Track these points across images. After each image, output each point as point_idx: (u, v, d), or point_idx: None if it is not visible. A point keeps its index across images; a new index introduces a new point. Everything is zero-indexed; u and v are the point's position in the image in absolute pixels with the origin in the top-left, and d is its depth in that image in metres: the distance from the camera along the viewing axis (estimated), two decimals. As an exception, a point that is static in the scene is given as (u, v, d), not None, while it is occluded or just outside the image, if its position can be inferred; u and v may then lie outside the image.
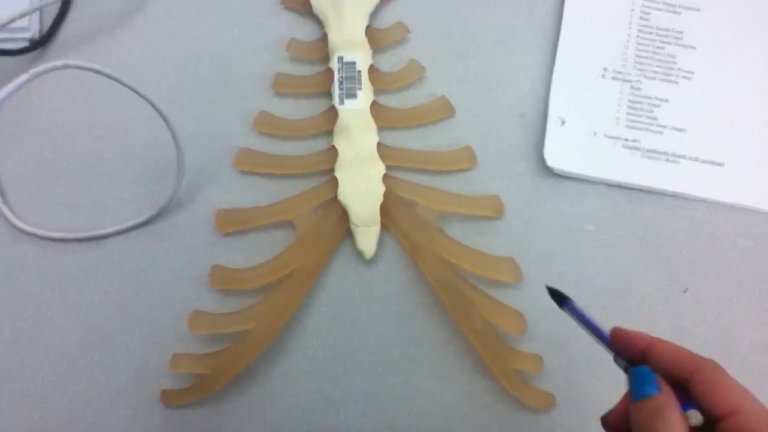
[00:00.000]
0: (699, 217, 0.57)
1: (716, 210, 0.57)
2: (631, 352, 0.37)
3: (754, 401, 0.33)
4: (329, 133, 0.57)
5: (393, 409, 0.52)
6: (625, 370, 0.37)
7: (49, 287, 0.54)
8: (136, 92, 0.52)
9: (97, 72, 0.51)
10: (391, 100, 0.58)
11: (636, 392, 0.35)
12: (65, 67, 0.51)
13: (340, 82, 0.57)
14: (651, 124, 0.59)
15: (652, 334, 0.38)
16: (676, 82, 0.60)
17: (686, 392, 0.35)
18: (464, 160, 0.57)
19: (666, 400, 0.34)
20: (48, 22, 0.59)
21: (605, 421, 0.39)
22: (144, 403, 0.52)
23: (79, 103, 0.57)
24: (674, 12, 0.61)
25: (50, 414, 0.52)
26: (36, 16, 0.58)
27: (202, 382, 0.51)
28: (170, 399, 0.52)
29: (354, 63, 0.57)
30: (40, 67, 0.51)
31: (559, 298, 0.43)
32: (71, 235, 0.55)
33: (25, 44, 0.58)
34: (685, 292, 0.56)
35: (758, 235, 0.57)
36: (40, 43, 0.58)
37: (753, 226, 0.57)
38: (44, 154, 0.57)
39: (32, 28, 0.58)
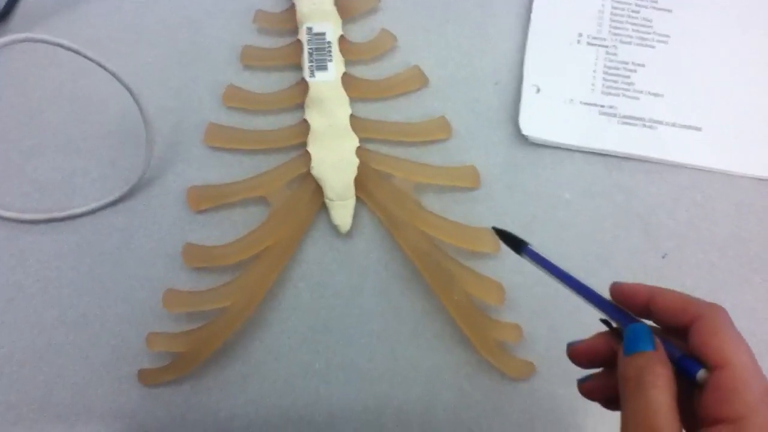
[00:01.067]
0: (677, 182, 0.57)
1: (695, 175, 0.57)
2: (632, 306, 0.35)
3: (744, 356, 0.31)
4: (300, 107, 0.56)
5: (374, 380, 0.52)
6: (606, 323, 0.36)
7: (20, 269, 0.53)
8: (101, 66, 0.51)
9: (60, 45, 0.50)
10: (363, 72, 0.58)
11: (629, 346, 0.33)
12: (27, 40, 0.50)
13: (310, 54, 0.56)
14: (627, 90, 0.58)
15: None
16: (653, 47, 0.59)
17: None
18: (439, 130, 0.57)
19: (659, 356, 0.32)
20: (8, -2, 0.57)
21: (583, 385, 0.38)
22: (122, 382, 0.52)
23: (44, 79, 0.56)
24: (649, -25, 0.60)
25: (27, 394, 0.51)
26: (-5, -9, 0.57)
27: (179, 361, 0.51)
28: (147, 378, 0.51)
29: (324, 34, 0.56)
30: (2, 39, 0.49)
31: (515, 243, 0.40)
32: (41, 216, 0.54)
33: (-15, 20, 0.56)
34: (664, 257, 0.55)
35: (738, 199, 0.57)
36: (0, 17, 0.56)
37: (732, 190, 0.57)
38: (9, 133, 0.56)
39: (-8, 4, 0.56)
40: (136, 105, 0.52)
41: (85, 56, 0.50)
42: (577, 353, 0.37)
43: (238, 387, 0.51)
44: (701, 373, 0.31)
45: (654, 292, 0.35)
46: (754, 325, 0.53)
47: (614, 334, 0.36)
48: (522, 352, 0.52)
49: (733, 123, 0.58)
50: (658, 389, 0.31)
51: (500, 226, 0.42)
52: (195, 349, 0.50)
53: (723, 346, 0.31)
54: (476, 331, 0.51)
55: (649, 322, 0.35)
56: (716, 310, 0.33)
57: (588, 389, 0.38)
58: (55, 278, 0.53)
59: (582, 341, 0.37)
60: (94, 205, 0.54)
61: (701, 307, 0.33)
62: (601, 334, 0.36)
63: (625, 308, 0.35)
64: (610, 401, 0.37)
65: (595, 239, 0.55)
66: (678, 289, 0.53)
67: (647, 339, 0.33)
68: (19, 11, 0.57)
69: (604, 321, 0.36)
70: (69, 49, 0.50)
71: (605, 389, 0.37)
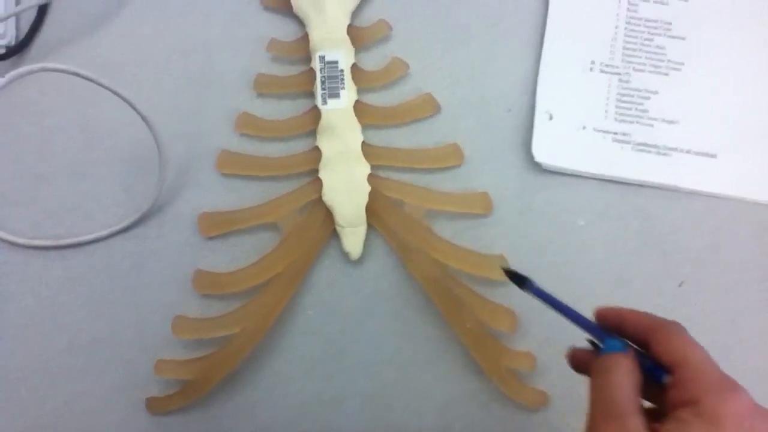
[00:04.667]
0: (693, 209, 0.56)
1: (710, 202, 0.56)
2: (609, 326, 0.40)
3: (698, 353, 0.36)
4: (312, 134, 0.56)
5: (386, 408, 0.51)
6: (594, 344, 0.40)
7: (31, 295, 0.54)
8: (116, 94, 0.51)
9: (76, 74, 0.50)
10: (375, 99, 0.57)
11: (606, 347, 0.38)
12: (43, 70, 0.50)
13: (323, 82, 0.56)
14: (641, 117, 0.58)
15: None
16: (666, 74, 0.59)
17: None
18: (451, 157, 0.56)
19: (627, 354, 0.37)
20: (25, 28, 0.58)
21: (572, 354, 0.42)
22: (130, 409, 0.52)
23: (59, 107, 0.56)
24: (662, 2, 0.60)
25: (36, 420, 0.51)
26: (12, 22, 0.57)
27: (187, 388, 0.51)
28: (155, 406, 0.51)
29: (336, 62, 0.56)
30: (18, 71, 0.50)
31: (518, 279, 0.43)
32: (52, 242, 0.54)
33: (2, 51, 0.57)
34: (681, 285, 0.55)
35: (754, 226, 0.56)
36: (18, 49, 0.57)
37: (748, 217, 0.56)
38: (23, 160, 0.56)
39: (8, 35, 0.57)
40: (149, 132, 0.52)
41: (100, 84, 0.50)
42: (572, 357, 0.42)
43: (247, 415, 0.51)
44: (666, 378, 0.36)
45: (623, 313, 0.40)
46: (773, 354, 0.52)
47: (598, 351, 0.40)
48: (535, 381, 0.51)
49: (748, 150, 0.57)
50: (620, 371, 0.36)
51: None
52: (204, 376, 0.50)
53: (680, 348, 0.36)
54: (489, 358, 0.51)
55: None
56: (675, 324, 0.38)
57: (575, 360, 0.42)
58: (66, 304, 0.53)
59: (578, 349, 0.42)
60: (105, 231, 0.54)
61: (660, 321, 0.38)
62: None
63: (615, 331, 0.40)
64: None
65: (610, 266, 0.55)
66: (696, 317, 0.53)
67: (621, 347, 0.38)
68: (35, 42, 0.58)
69: (590, 341, 0.41)
70: (85, 77, 0.50)
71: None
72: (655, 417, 0.35)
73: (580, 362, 0.41)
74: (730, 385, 0.34)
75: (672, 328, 0.38)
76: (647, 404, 0.37)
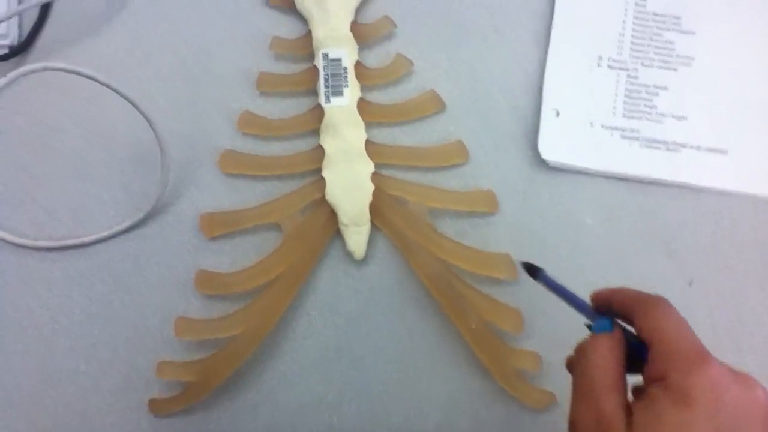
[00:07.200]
0: (703, 206, 0.55)
1: (720, 199, 0.56)
2: (605, 309, 0.40)
3: (673, 328, 0.35)
4: (315, 132, 0.56)
5: (388, 409, 0.51)
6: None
7: (32, 296, 0.53)
8: (118, 93, 0.51)
9: (78, 74, 0.50)
10: (379, 97, 0.57)
11: (594, 329, 0.38)
12: (45, 69, 0.50)
13: (326, 80, 0.55)
14: (650, 113, 0.57)
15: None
16: (675, 69, 0.58)
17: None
18: (456, 155, 0.56)
19: (612, 344, 0.37)
20: (27, 28, 0.58)
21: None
22: (132, 411, 0.51)
23: (61, 106, 0.56)
24: (671, -4, 0.59)
25: (36, 423, 0.51)
26: (14, 21, 0.57)
27: (189, 390, 0.50)
28: (157, 408, 0.51)
29: (339, 59, 0.56)
30: (20, 70, 0.50)
31: (532, 271, 0.44)
32: (53, 243, 0.54)
33: (5, 51, 0.56)
34: (690, 284, 0.54)
35: (764, 223, 0.55)
36: (20, 49, 0.57)
37: (758, 214, 0.55)
38: (25, 160, 0.55)
39: (11, 35, 0.57)
40: (151, 131, 0.51)
41: (102, 83, 0.50)
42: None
43: (249, 416, 0.51)
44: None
45: (612, 292, 0.39)
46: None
47: None
48: (541, 382, 0.50)
49: (758, 146, 0.56)
50: (598, 352, 0.36)
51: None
52: (206, 377, 0.50)
53: (655, 322, 0.35)
54: (494, 359, 0.50)
55: None
56: (654, 297, 0.37)
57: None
58: (67, 306, 0.53)
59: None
60: (107, 232, 0.54)
61: (642, 296, 0.38)
62: None
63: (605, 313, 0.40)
64: None
65: (619, 265, 0.54)
66: (705, 315, 0.52)
67: (608, 326, 0.38)
68: (38, 42, 0.58)
69: (587, 326, 0.40)
70: (86, 76, 0.50)
71: None
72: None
73: None
74: (699, 357, 0.33)
75: (651, 302, 0.37)
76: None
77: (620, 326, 0.38)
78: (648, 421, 0.33)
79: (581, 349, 0.38)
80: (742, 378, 0.34)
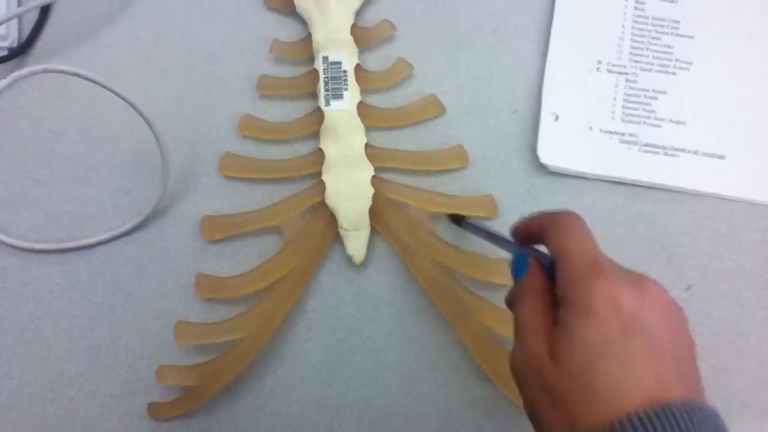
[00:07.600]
0: (701, 211, 0.56)
1: (719, 204, 0.56)
2: (528, 240, 0.41)
3: (573, 245, 0.35)
4: (315, 136, 0.56)
5: (388, 414, 0.51)
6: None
7: (32, 300, 0.53)
8: (118, 96, 0.51)
9: (78, 76, 0.50)
10: (379, 100, 0.57)
11: (513, 273, 0.39)
12: (45, 71, 0.50)
13: (326, 83, 0.56)
14: (648, 118, 0.57)
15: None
16: (674, 74, 0.58)
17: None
18: (455, 159, 0.56)
19: (528, 284, 0.38)
20: (27, 29, 0.57)
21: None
22: (132, 415, 0.51)
23: (61, 109, 0.56)
24: (670, 0, 0.59)
25: (36, 427, 0.51)
26: (14, 23, 0.57)
27: (189, 394, 0.50)
28: (157, 412, 0.51)
29: (339, 63, 0.56)
30: (20, 72, 0.50)
31: (457, 221, 0.47)
32: (53, 246, 0.54)
33: (4, 53, 0.56)
34: (688, 289, 0.54)
35: (763, 228, 0.55)
36: (20, 50, 0.56)
37: (757, 219, 0.55)
38: (25, 163, 0.55)
39: (11, 36, 0.56)
40: (151, 135, 0.51)
41: (102, 85, 0.50)
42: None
43: (249, 421, 0.51)
44: None
45: (528, 222, 0.40)
46: (782, 360, 0.51)
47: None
48: (541, 387, 0.51)
49: (757, 151, 0.57)
50: (520, 300, 0.37)
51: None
52: (206, 382, 0.50)
53: (557, 242, 0.36)
54: (494, 364, 0.50)
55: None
56: (561, 215, 0.38)
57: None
58: (67, 309, 0.53)
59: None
60: (107, 235, 0.54)
61: (550, 217, 0.39)
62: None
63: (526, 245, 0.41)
64: None
65: (617, 270, 0.54)
66: (704, 320, 0.52)
67: (522, 264, 0.39)
68: (38, 44, 0.57)
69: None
70: (87, 78, 0.50)
71: None
72: None
73: None
74: (592, 268, 0.34)
75: (557, 221, 0.38)
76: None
77: (535, 259, 0.39)
78: (564, 345, 0.33)
79: (508, 300, 0.40)
80: (634, 278, 0.34)
